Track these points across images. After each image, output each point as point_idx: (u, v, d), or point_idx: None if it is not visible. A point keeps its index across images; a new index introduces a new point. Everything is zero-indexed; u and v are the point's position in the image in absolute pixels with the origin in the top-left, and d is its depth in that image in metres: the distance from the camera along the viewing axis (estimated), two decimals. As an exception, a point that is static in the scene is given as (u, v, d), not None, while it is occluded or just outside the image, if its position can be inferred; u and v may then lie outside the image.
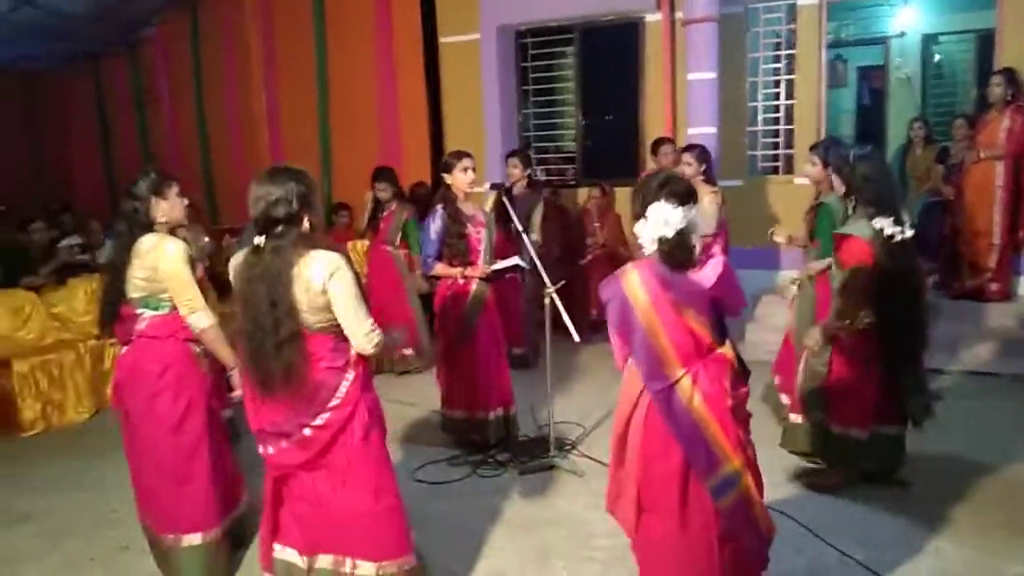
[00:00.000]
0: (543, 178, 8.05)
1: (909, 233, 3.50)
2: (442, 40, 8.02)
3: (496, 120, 7.75)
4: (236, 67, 9.39)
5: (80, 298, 6.18)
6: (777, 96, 7.14)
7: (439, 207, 4.37)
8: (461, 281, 4.38)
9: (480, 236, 4.41)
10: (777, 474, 4.06)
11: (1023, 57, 6.17)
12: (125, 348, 3.21)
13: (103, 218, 8.15)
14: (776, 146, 7.18)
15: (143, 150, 10.38)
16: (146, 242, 3.07)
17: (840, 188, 3.88)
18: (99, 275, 6.36)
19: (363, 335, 2.62)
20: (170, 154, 10.15)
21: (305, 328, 2.57)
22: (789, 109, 7.07)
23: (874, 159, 3.68)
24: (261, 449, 2.72)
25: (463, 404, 4.46)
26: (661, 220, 2.50)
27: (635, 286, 2.53)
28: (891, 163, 7.86)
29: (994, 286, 6.17)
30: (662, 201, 2.50)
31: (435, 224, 4.34)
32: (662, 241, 2.51)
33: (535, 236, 5.86)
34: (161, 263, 3.04)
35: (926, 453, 4.28)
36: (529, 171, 6.04)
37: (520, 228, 4.49)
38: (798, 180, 6.97)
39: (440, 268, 4.40)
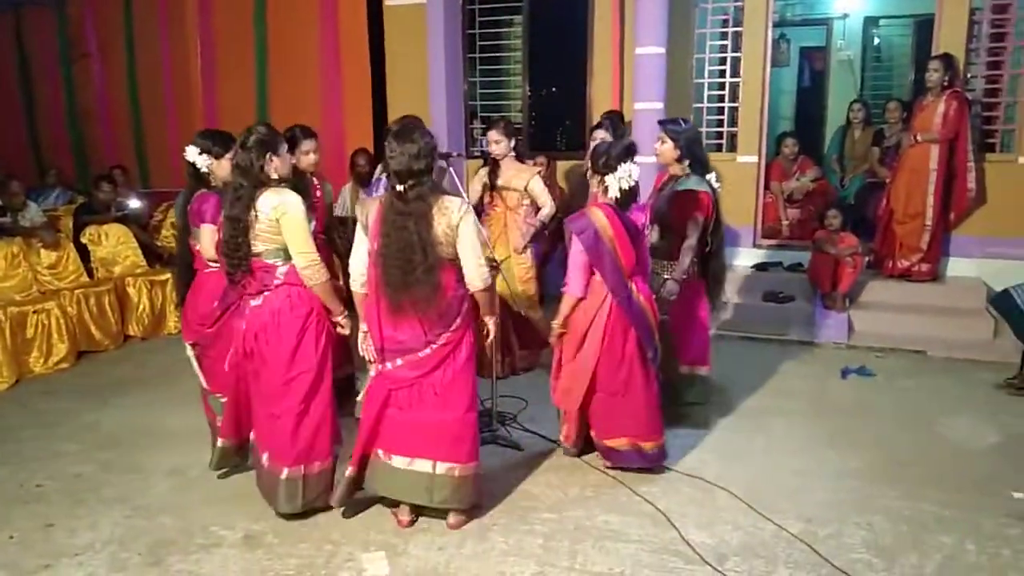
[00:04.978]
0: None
1: (718, 184, 4.32)
2: (387, 3, 7.80)
3: (441, 88, 7.57)
4: (170, 24, 8.97)
5: (0, 263, 5.87)
6: (723, 74, 7.16)
7: (383, 177, 4.24)
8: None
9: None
10: (707, 453, 4.13)
11: (961, 43, 6.31)
12: (259, 297, 3.37)
13: (26, 179, 7.76)
14: (721, 123, 7.22)
15: (69, 108, 9.89)
16: (269, 197, 3.26)
17: (673, 155, 4.26)
18: (19, 239, 6.08)
19: (476, 270, 3.20)
20: (99, 113, 9.69)
21: (440, 259, 3.13)
22: (734, 87, 7.10)
23: (695, 128, 4.53)
24: (379, 366, 3.28)
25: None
26: (627, 174, 3.56)
27: (603, 221, 3.54)
28: (831, 144, 8.06)
29: (924, 266, 6.36)
30: (629, 162, 3.57)
31: (378, 193, 4.21)
32: (623, 191, 3.57)
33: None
34: (284, 217, 3.25)
35: (859, 430, 4.41)
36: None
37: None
38: (741, 158, 7.04)
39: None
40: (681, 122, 4.35)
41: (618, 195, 3.59)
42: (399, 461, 3.32)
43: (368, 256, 3.26)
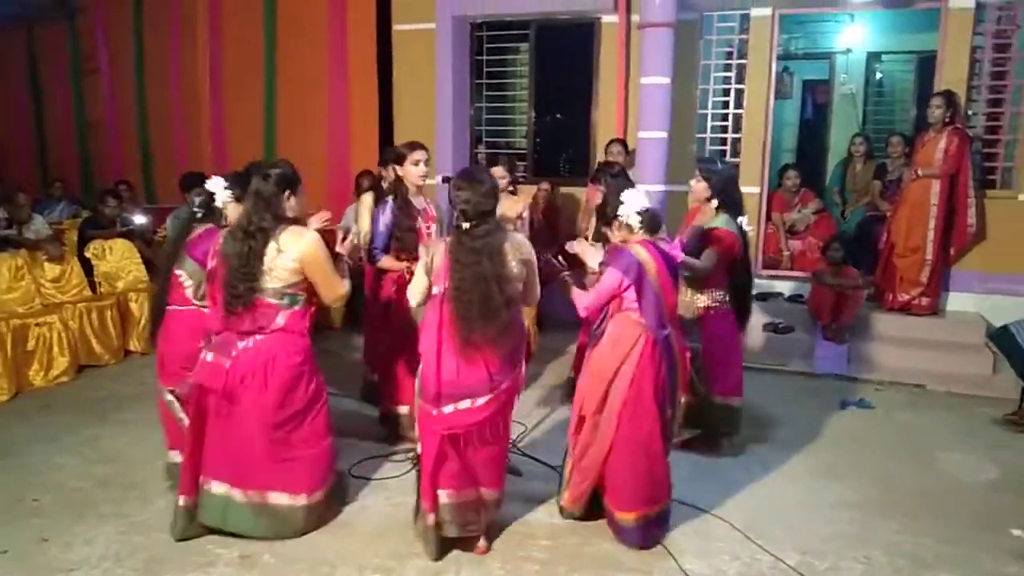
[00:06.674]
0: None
1: (750, 228, 4.33)
2: (396, 27, 7.88)
3: (448, 112, 7.65)
4: (180, 41, 9.07)
5: (4, 275, 5.89)
6: (726, 104, 7.22)
7: (389, 199, 4.29)
8: (408, 275, 4.29)
9: (431, 231, 4.34)
10: (706, 483, 4.12)
11: (962, 80, 6.38)
12: (249, 339, 3.32)
13: (32, 190, 7.80)
14: (724, 154, 7.27)
15: (78, 122, 9.97)
16: (291, 238, 3.29)
17: (705, 194, 4.28)
18: (24, 251, 6.11)
19: (536, 296, 3.41)
20: (107, 128, 9.78)
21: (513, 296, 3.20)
22: (737, 118, 7.16)
23: (732, 170, 4.53)
24: (435, 412, 3.17)
25: (407, 399, 4.38)
26: (636, 198, 3.38)
27: (646, 257, 3.34)
28: (832, 176, 8.11)
29: (924, 300, 6.37)
30: (627, 190, 3.43)
31: (384, 216, 4.26)
32: (643, 212, 3.36)
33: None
34: (309, 262, 3.31)
35: (857, 462, 4.41)
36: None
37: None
38: (743, 189, 7.04)
39: (387, 261, 4.31)
40: (718, 162, 4.39)
41: (640, 220, 3.37)
42: (450, 496, 3.31)
43: (431, 297, 3.25)
